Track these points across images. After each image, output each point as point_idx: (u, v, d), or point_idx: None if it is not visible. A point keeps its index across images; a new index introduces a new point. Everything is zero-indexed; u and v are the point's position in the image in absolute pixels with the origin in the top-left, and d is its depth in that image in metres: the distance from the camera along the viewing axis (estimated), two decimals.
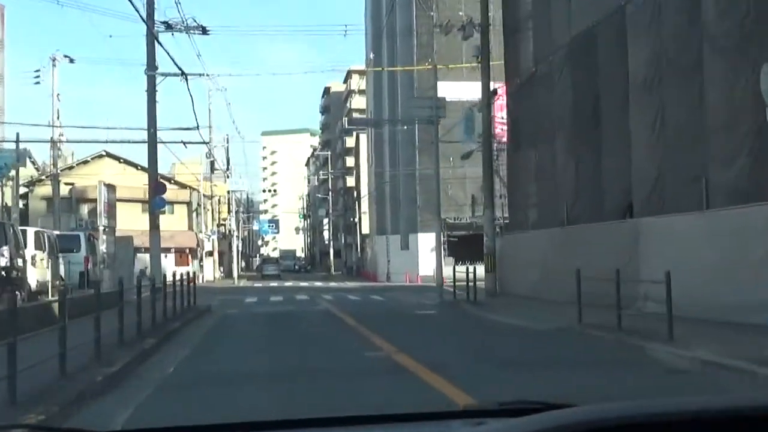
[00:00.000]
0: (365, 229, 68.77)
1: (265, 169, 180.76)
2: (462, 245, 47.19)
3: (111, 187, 24.09)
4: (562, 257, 18.68)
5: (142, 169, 48.93)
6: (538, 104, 20.77)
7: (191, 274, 48.94)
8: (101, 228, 21.39)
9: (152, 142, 23.58)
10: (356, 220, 67.80)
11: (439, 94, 49.13)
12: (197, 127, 30.31)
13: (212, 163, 50.42)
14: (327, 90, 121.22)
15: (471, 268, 22.75)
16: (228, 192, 50.85)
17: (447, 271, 47.82)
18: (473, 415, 2.13)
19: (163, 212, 23.33)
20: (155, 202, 23.23)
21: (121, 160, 48.04)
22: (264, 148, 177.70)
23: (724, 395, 2.89)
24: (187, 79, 24.80)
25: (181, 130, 30.34)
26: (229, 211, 54.50)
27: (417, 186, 47.21)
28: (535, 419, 1.44)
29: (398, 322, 15.90)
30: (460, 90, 47.35)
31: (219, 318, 17.45)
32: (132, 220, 46.97)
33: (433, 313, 18.94)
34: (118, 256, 23.57)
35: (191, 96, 28.08)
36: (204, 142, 30.73)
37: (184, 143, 30.10)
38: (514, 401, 2.15)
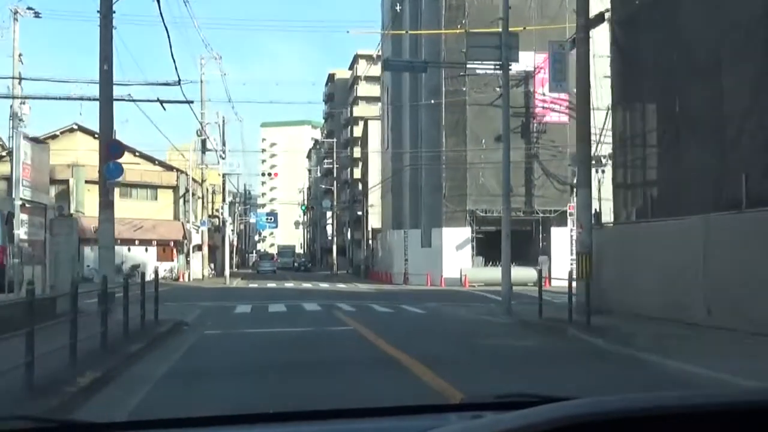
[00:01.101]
0: (374, 223, 61.92)
1: (264, 161, 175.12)
2: (492, 243, 40.15)
3: (39, 143, 16.96)
4: (739, 259, 11.65)
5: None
6: (680, 29, 13.71)
7: (173, 271, 41.77)
8: (18, 203, 14.37)
9: (106, 85, 16.54)
10: (364, 213, 60.72)
11: (469, 66, 42.44)
12: (179, 82, 23.27)
13: (204, 142, 43.37)
14: (331, 77, 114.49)
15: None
16: (221, 175, 43.60)
17: (476, 273, 40.84)
18: (470, 408, 2.13)
19: (119, 184, 16.28)
20: (108, 170, 16.21)
21: (96, 135, 40.75)
22: (263, 140, 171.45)
23: (724, 390, 2.45)
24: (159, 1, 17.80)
25: (158, 85, 23.25)
26: (223, 199, 47.28)
27: (443, 172, 40.11)
28: (531, 412, 1.42)
29: (524, 380, 8.67)
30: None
31: (181, 356, 10.17)
32: None
33: (544, 347, 11.75)
34: (52, 247, 16.45)
35: (166, 28, 20.61)
36: (186, 102, 23.66)
37: (161, 102, 22.96)
38: (510, 394, 2.16)
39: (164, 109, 22.97)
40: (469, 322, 16.13)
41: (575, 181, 41.06)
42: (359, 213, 68.29)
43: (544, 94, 40.51)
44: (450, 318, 17.52)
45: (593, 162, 38.17)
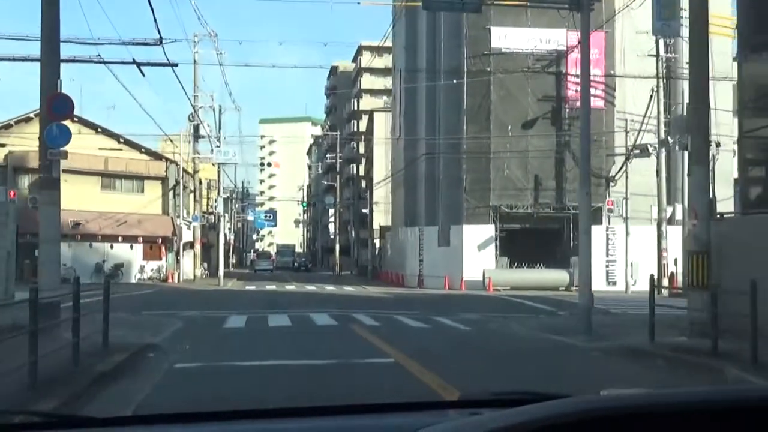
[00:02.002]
0: (379, 221, 57.62)
1: (263, 158, 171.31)
2: (518, 242, 35.85)
3: None
4: None
5: (104, 131, 37.44)
6: None
7: (161, 271, 37.39)
8: None
9: (50, 19, 12.13)
10: (370, 210, 56.29)
11: (494, 44, 38.08)
12: (160, 41, 18.79)
13: (197, 128, 38.93)
14: (333, 69, 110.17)
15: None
16: (216, 165, 39.05)
17: (501, 276, 36.34)
18: (468, 405, 2.13)
19: (65, 155, 11.83)
20: (50, 135, 11.77)
21: (75, 119, 36.37)
22: (262, 137, 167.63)
23: (717, 386, 2.50)
24: None
25: (134, 45, 18.76)
26: (218, 192, 42.73)
27: (463, 163, 35.72)
28: (529, 409, 1.43)
29: None
30: (521, 39, 35.98)
31: None
32: (86, 198, 35.51)
33: None
34: None
35: None
36: (170, 64, 19.12)
37: (138, 65, 18.46)
38: (508, 392, 2.19)
39: (143, 74, 18.59)
40: (546, 349, 11.70)
41: (613, 173, 36.82)
42: (364, 210, 64.02)
43: (577, 76, 36.09)
44: (511, 340, 13.12)
45: (637, 150, 33.83)
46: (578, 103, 36.34)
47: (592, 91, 36.86)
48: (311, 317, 16.86)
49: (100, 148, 34.84)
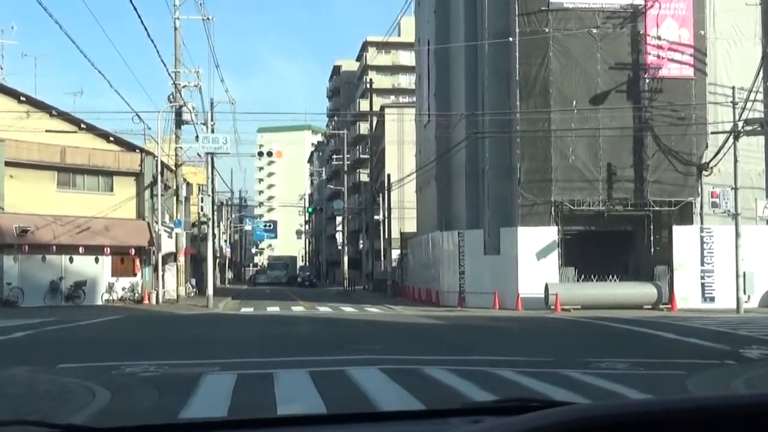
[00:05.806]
0: (395, 229, 50.03)
1: (261, 169, 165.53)
2: (584, 247, 28.16)
3: None
4: None
5: (60, 114, 29.71)
6: None
7: (135, 290, 29.60)
8: None
9: None
10: (386, 215, 48.50)
11: None
12: None
13: (179, 112, 31.17)
14: (336, 69, 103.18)
15: None
16: (206, 155, 31.07)
17: (570, 291, 28.61)
18: (471, 412, 2.08)
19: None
20: None
21: (22, 99, 28.65)
22: (260, 146, 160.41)
23: (723, 393, 2.35)
24: None
25: None
26: (208, 189, 34.84)
27: (517, 148, 28.00)
28: (532, 417, 1.40)
29: None
30: None
31: None
32: (37, 198, 27.77)
33: None
34: None
35: None
36: None
37: None
38: (512, 399, 2.16)
39: None
40: None
41: (707, 159, 28.96)
42: (376, 217, 56.44)
43: (659, 38, 28.52)
44: None
45: (749, 127, 26.12)
46: (661, 72, 28.99)
47: (678, 57, 29.38)
48: (354, 379, 9.14)
49: (47, 130, 27.12)
